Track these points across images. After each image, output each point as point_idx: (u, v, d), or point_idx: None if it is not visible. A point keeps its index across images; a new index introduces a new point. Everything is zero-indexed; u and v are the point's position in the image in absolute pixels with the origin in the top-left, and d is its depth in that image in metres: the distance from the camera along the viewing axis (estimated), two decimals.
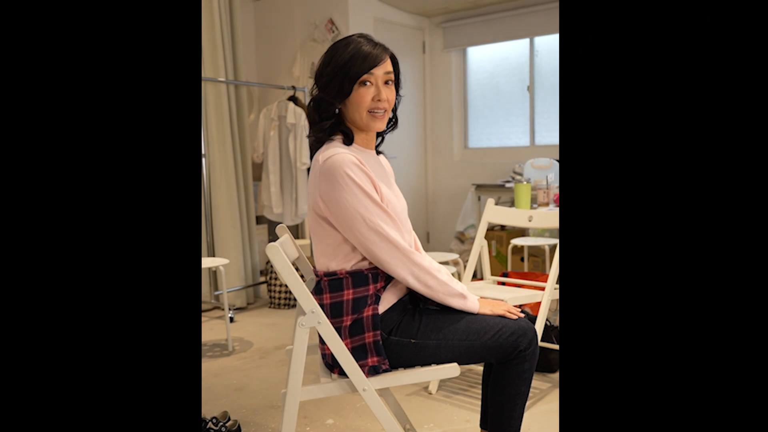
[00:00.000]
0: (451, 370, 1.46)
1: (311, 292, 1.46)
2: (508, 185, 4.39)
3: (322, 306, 1.46)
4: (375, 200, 1.41)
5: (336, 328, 1.44)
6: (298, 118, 3.95)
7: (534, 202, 3.13)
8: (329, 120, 1.49)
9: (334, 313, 1.45)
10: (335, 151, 1.43)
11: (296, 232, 4.71)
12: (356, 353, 1.43)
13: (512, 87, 4.99)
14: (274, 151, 4.04)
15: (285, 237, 1.65)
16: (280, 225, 1.72)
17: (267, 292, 4.00)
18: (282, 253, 1.39)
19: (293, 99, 4.05)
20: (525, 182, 3.10)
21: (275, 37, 4.95)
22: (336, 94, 1.45)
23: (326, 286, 1.47)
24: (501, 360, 1.48)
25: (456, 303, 1.49)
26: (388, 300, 1.48)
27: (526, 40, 4.85)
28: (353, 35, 1.49)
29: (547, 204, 3.11)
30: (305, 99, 4.24)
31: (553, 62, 4.75)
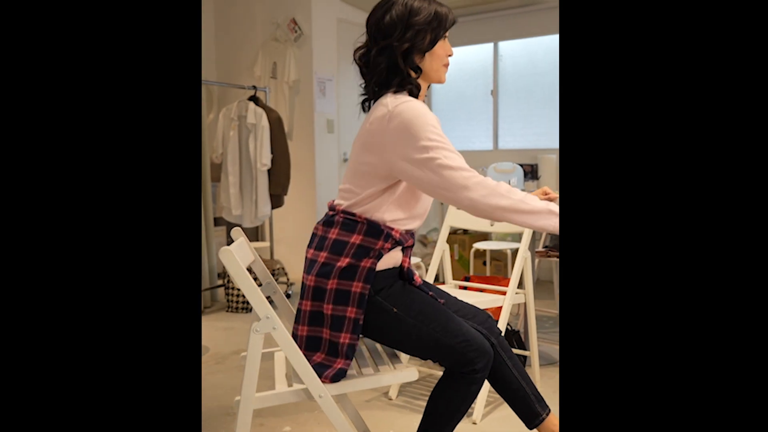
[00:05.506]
0: (409, 374, 1.46)
1: (319, 223, 1.48)
2: None
3: (324, 239, 1.45)
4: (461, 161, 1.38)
5: (327, 267, 1.41)
6: (258, 119, 3.88)
7: None
8: (417, 73, 1.47)
9: (334, 249, 1.43)
10: (408, 98, 1.42)
11: (255, 234, 4.63)
12: (339, 297, 1.41)
13: (476, 91, 5.01)
14: (234, 151, 3.96)
15: (240, 240, 1.60)
16: (235, 228, 1.67)
17: (225, 296, 3.92)
18: (235, 258, 1.34)
19: (254, 99, 3.98)
20: None
21: (236, 36, 4.86)
22: (428, 44, 1.45)
23: (339, 222, 1.46)
24: (452, 367, 1.46)
25: (542, 224, 1.36)
26: (386, 262, 1.46)
27: (490, 45, 4.87)
28: None
29: None
30: (266, 99, 4.17)
31: (516, 66, 4.79)
